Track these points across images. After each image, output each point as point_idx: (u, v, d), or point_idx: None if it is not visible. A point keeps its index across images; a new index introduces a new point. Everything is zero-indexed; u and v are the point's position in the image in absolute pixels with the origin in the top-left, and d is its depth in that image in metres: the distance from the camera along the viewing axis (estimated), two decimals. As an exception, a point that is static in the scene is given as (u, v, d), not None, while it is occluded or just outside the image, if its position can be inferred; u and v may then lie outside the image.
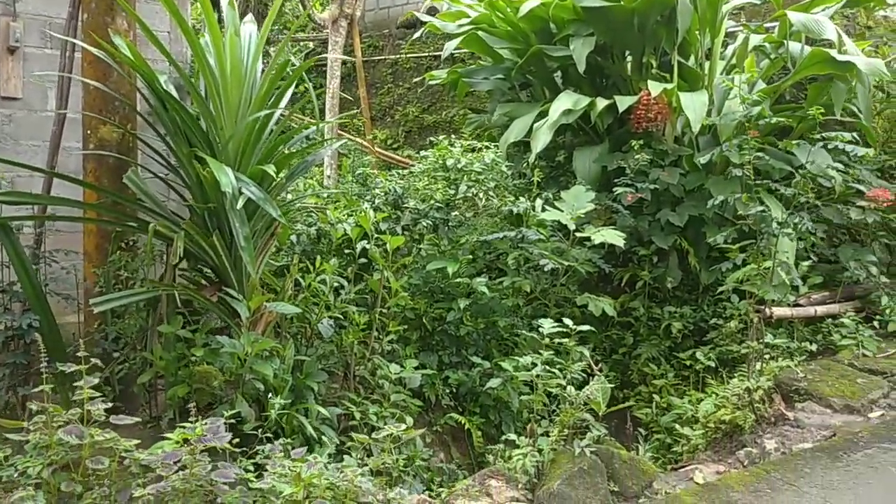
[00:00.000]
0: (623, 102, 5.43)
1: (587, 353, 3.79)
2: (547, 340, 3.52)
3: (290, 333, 4.20)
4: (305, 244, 4.79)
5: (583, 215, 5.11)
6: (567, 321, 3.65)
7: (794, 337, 5.17)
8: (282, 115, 4.04)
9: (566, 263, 4.81)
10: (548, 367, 3.60)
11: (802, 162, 5.37)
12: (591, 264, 5.24)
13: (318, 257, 4.28)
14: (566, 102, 5.51)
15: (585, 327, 3.69)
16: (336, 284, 4.22)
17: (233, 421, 3.12)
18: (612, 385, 5.62)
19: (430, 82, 7.98)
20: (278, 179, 3.77)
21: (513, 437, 3.63)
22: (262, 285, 4.35)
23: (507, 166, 5.71)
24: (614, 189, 5.47)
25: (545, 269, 4.70)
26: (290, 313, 3.79)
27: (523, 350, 4.90)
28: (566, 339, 3.63)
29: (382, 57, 12.30)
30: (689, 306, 5.67)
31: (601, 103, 5.57)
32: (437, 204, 4.93)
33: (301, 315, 4.22)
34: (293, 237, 4.79)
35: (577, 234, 4.96)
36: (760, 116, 4.83)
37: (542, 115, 5.84)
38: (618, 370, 5.66)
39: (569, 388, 3.68)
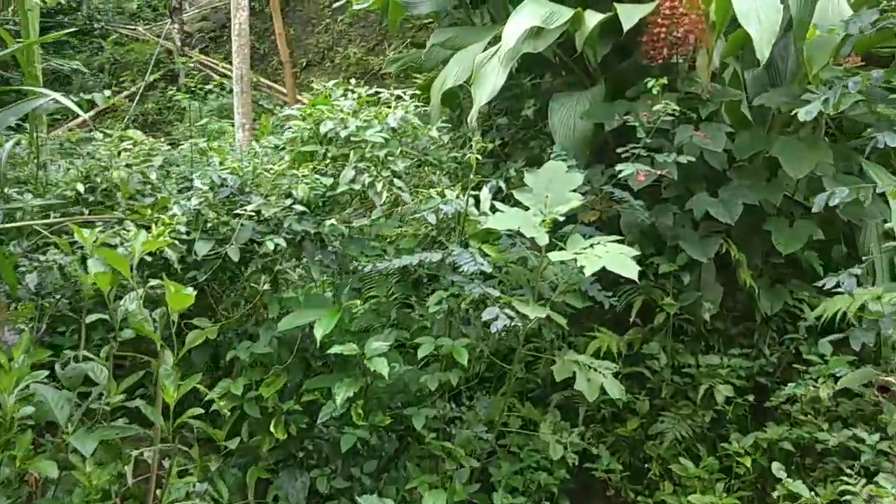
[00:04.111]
0: (630, 14, 3.15)
1: None
2: None
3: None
4: (50, 290, 2.60)
5: (562, 215, 2.91)
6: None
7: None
8: None
9: (532, 316, 2.61)
10: None
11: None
12: (580, 295, 3.07)
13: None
14: (532, 17, 3.21)
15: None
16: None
17: None
18: (617, 478, 3.56)
19: (357, 6, 5.81)
20: None
21: None
22: None
23: (440, 128, 3.46)
24: (616, 163, 3.24)
25: (494, 328, 2.51)
26: None
27: (457, 460, 2.76)
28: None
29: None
30: (739, 348, 3.52)
31: (592, 18, 3.28)
32: (299, 206, 2.71)
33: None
34: (29, 277, 2.58)
35: (552, 255, 2.75)
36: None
37: (497, 42, 3.58)
38: (623, 451, 3.54)
39: None
